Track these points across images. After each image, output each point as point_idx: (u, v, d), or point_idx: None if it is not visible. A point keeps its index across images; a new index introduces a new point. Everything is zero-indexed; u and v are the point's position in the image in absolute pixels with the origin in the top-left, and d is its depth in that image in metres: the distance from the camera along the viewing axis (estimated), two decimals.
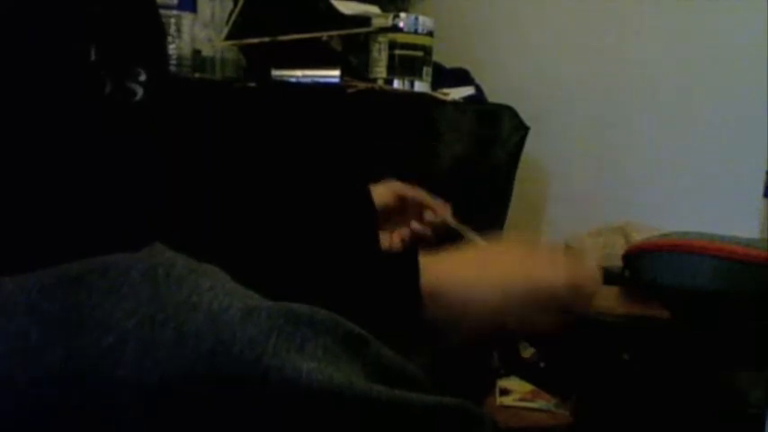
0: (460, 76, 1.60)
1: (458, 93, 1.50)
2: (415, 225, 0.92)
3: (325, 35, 1.40)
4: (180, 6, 1.39)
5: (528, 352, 1.01)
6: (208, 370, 0.44)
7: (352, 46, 1.46)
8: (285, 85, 1.38)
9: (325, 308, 0.48)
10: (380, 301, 0.59)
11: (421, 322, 0.60)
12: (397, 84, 1.42)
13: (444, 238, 0.90)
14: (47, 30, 0.55)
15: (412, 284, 0.60)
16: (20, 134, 0.54)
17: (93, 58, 0.56)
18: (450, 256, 0.67)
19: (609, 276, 1.07)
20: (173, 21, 1.36)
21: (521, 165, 1.51)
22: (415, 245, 0.89)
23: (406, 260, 0.62)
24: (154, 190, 0.56)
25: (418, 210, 0.93)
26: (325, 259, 0.59)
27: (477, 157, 1.43)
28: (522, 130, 1.50)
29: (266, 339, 0.45)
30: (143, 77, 0.61)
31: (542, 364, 0.99)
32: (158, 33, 0.69)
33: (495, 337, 0.69)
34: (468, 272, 0.64)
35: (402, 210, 0.92)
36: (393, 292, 0.60)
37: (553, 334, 0.75)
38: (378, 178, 0.94)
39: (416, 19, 1.42)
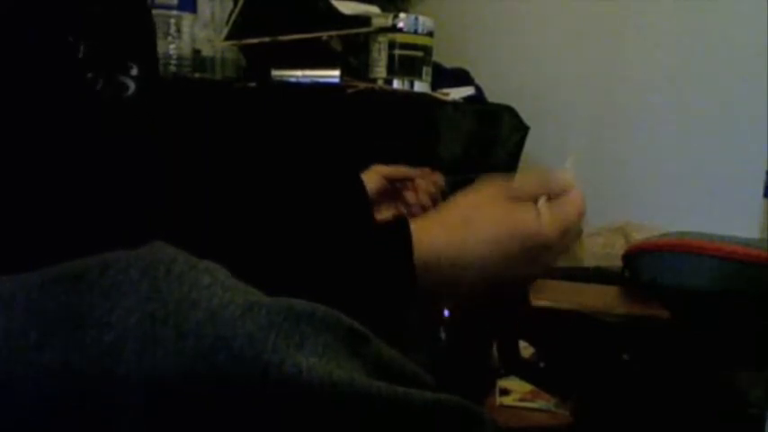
0: (460, 76, 1.60)
1: (458, 93, 1.50)
2: (410, 197, 0.92)
3: (325, 35, 1.40)
4: (180, 6, 1.39)
5: (528, 352, 1.01)
6: (208, 367, 0.44)
7: (352, 46, 1.46)
8: (285, 85, 1.38)
9: (324, 299, 0.48)
10: (375, 276, 0.59)
11: (415, 292, 0.60)
12: (396, 84, 1.42)
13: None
14: (46, 29, 0.55)
15: (405, 256, 0.60)
16: (16, 133, 0.54)
17: (82, 53, 0.56)
18: (436, 217, 0.66)
19: (609, 276, 1.07)
20: (173, 21, 1.36)
21: (521, 165, 1.51)
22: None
23: (397, 230, 0.61)
24: (152, 186, 0.56)
25: (409, 186, 0.94)
26: (320, 249, 0.59)
27: (477, 157, 1.43)
28: (522, 130, 1.50)
29: (266, 336, 0.45)
30: (135, 72, 0.60)
31: (542, 364, 0.99)
32: (149, 29, 0.69)
33: (492, 299, 0.68)
34: (456, 231, 0.63)
35: (393, 192, 0.93)
36: (386, 265, 0.59)
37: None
38: None
39: (416, 19, 1.42)
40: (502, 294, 0.69)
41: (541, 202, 0.65)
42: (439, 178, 0.93)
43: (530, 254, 0.63)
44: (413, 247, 0.60)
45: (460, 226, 0.64)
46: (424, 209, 0.91)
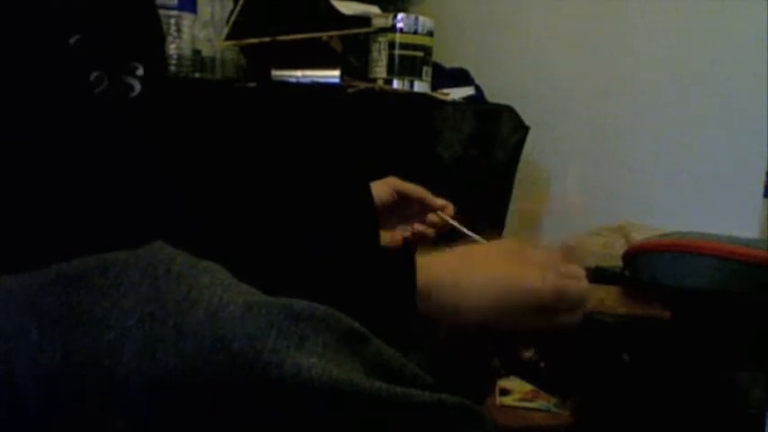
0: (460, 76, 1.60)
1: (458, 93, 1.50)
2: (417, 226, 0.92)
3: (325, 35, 1.40)
4: (180, 6, 1.39)
5: (528, 352, 1.01)
6: (207, 367, 0.44)
7: (352, 46, 1.46)
8: (285, 85, 1.38)
9: (322, 303, 0.48)
10: (376, 297, 0.59)
11: (414, 320, 0.60)
12: (396, 84, 1.42)
13: (444, 236, 0.90)
14: (48, 28, 0.55)
15: (408, 283, 0.60)
16: (17, 133, 0.54)
17: (86, 53, 0.56)
18: (441, 256, 0.67)
19: (609, 276, 1.07)
20: (173, 21, 1.37)
21: (521, 165, 1.51)
22: (414, 243, 0.89)
23: (403, 258, 0.62)
24: (153, 186, 0.56)
25: (419, 206, 0.93)
26: (324, 256, 0.59)
27: (477, 157, 1.43)
28: (522, 130, 1.50)
29: (265, 336, 0.45)
30: (140, 72, 0.60)
31: (542, 364, 0.99)
32: (155, 28, 0.69)
33: (488, 338, 0.69)
34: (459, 271, 0.64)
35: (402, 206, 0.92)
36: (389, 290, 0.60)
37: (547, 336, 0.76)
38: (378, 178, 0.94)
39: (416, 19, 1.42)
40: (497, 339, 0.70)
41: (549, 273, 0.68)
42: (450, 210, 0.93)
43: (525, 310, 0.66)
44: (416, 273, 0.61)
45: (464, 266, 0.65)
46: (424, 239, 0.92)
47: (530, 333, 0.72)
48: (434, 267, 0.63)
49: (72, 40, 0.55)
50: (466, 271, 0.64)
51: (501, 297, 0.64)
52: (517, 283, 0.65)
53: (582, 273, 0.71)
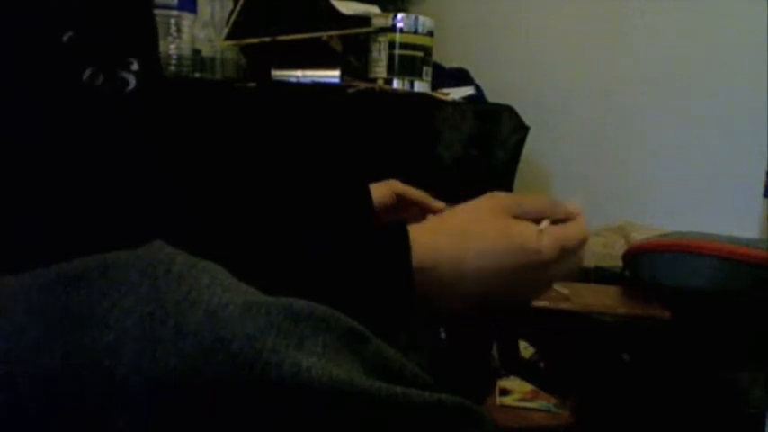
0: (460, 76, 1.60)
1: (458, 93, 1.50)
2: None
3: (325, 35, 1.40)
4: (180, 6, 1.39)
5: (528, 352, 1.01)
6: (207, 367, 0.44)
7: (352, 46, 1.46)
8: (285, 85, 1.38)
9: (322, 299, 0.48)
10: (372, 278, 0.58)
11: (414, 298, 0.59)
12: (396, 84, 1.42)
13: None
14: (42, 23, 0.55)
15: (403, 261, 0.60)
16: (12, 131, 0.54)
17: (81, 48, 0.56)
18: (435, 226, 0.66)
19: (609, 276, 1.07)
20: (173, 21, 1.36)
21: (521, 165, 1.51)
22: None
23: (396, 233, 0.61)
24: (153, 186, 0.56)
25: (418, 210, 0.93)
26: (322, 255, 0.59)
27: (477, 157, 1.43)
28: (522, 130, 1.50)
29: (265, 336, 0.45)
30: (135, 67, 0.60)
31: (542, 364, 0.99)
32: (150, 24, 0.69)
33: (489, 310, 0.67)
34: (454, 239, 0.63)
35: (401, 209, 0.92)
36: (384, 267, 0.59)
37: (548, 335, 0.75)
38: (378, 178, 0.94)
39: (416, 19, 1.43)
40: (499, 308, 0.68)
41: (544, 223, 0.65)
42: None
43: (526, 270, 0.63)
44: (410, 250, 0.60)
45: (459, 235, 0.63)
46: None
47: (534, 292, 0.69)
48: (427, 242, 0.61)
49: (65, 38, 0.55)
50: (460, 241, 0.62)
51: (501, 259, 0.62)
52: (515, 245, 0.63)
53: (578, 212, 0.68)
